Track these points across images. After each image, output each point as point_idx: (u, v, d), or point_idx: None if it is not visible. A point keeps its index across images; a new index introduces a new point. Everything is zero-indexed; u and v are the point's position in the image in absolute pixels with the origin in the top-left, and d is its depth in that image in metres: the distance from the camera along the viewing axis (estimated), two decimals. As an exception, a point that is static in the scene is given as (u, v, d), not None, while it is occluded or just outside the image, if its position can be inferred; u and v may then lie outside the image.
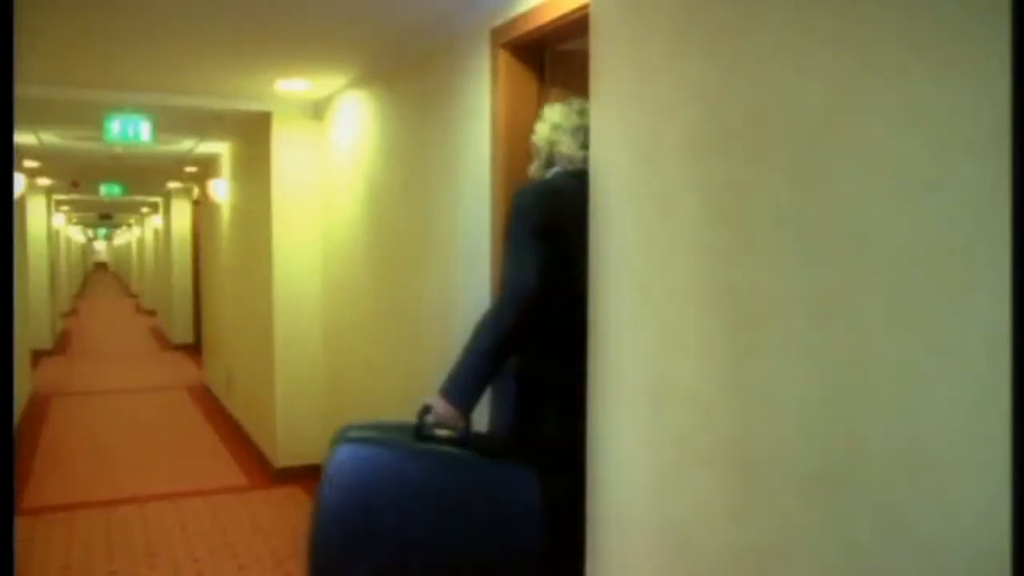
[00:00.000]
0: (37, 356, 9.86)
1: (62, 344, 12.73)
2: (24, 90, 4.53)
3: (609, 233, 2.02)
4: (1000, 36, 1.15)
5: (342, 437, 2.04)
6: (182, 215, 12.41)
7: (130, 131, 5.39)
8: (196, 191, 10.50)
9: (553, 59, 2.99)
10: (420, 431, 2.06)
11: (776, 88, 1.53)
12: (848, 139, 1.41)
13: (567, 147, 2.32)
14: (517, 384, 2.24)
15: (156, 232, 16.29)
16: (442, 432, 2.06)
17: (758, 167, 1.57)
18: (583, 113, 2.30)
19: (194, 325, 11.76)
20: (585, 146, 2.19)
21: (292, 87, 4.74)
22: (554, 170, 2.38)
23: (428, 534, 1.90)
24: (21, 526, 4.44)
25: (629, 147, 1.94)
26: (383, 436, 2.03)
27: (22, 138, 6.55)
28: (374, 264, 4.36)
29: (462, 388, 2.14)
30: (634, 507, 1.92)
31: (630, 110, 1.94)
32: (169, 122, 5.77)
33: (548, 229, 2.20)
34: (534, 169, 2.46)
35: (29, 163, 8.25)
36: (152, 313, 17.08)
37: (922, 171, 1.30)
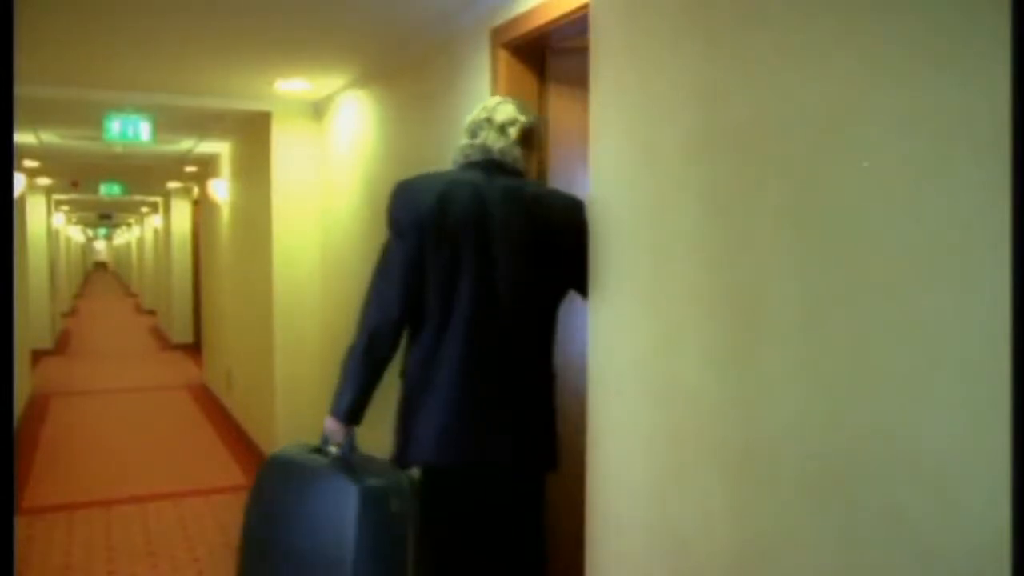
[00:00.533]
0: (37, 356, 9.86)
1: (62, 344, 12.73)
2: (24, 90, 4.53)
3: (609, 233, 2.02)
4: (1000, 36, 1.15)
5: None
6: (182, 215, 12.41)
7: (130, 131, 5.39)
8: (196, 191, 10.50)
9: (553, 59, 2.99)
10: (319, 448, 2.14)
11: (776, 87, 1.53)
12: (848, 139, 1.41)
13: (475, 150, 2.31)
14: (401, 384, 2.27)
15: (156, 232, 16.30)
16: (331, 448, 2.11)
17: (758, 167, 1.57)
18: (521, 111, 2.35)
19: (194, 325, 11.76)
20: (486, 149, 2.27)
21: (292, 87, 4.74)
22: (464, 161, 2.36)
23: (265, 536, 2.05)
24: (21, 526, 4.44)
25: (629, 147, 1.94)
26: (287, 453, 2.19)
27: (22, 138, 6.55)
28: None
29: (336, 400, 2.21)
30: (634, 507, 1.92)
31: (630, 110, 1.94)
32: (169, 122, 5.77)
33: (422, 227, 2.21)
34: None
35: (29, 163, 8.25)
36: (152, 313, 17.08)
37: (922, 171, 1.30)
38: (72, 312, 18.22)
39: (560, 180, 2.99)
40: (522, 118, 2.33)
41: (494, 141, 2.29)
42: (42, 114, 5.62)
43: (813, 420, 1.47)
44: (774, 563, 1.55)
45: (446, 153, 3.47)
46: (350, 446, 2.10)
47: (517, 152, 2.28)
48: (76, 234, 25.32)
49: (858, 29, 1.39)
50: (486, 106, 2.39)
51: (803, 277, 1.48)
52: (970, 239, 1.23)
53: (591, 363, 2.09)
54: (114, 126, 5.35)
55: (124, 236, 30.35)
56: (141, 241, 21.16)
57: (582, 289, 2.09)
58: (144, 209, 17.30)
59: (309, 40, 3.78)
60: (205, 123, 6.09)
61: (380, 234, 4.52)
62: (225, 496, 5.11)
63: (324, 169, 5.29)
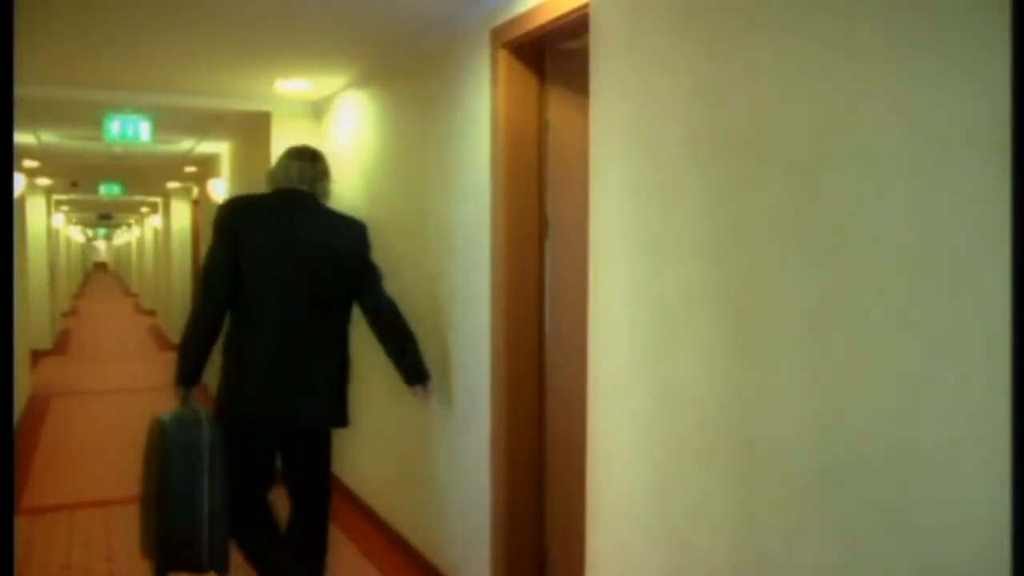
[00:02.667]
0: (37, 356, 9.86)
1: (62, 344, 12.72)
2: (24, 90, 4.53)
3: (609, 233, 2.02)
4: (1000, 36, 1.15)
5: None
6: (182, 215, 12.40)
7: (130, 131, 5.38)
8: (196, 191, 10.50)
9: (553, 59, 2.99)
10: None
11: (776, 88, 1.53)
12: (848, 139, 1.41)
13: (281, 179, 3.03)
14: (222, 351, 2.89)
15: (156, 232, 16.29)
16: (179, 412, 2.78)
17: (758, 167, 1.57)
18: (297, 156, 3.08)
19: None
20: (289, 179, 3.01)
21: (292, 87, 4.74)
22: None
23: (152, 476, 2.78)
24: (21, 526, 4.44)
25: (629, 147, 1.94)
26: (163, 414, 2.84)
27: (22, 138, 6.55)
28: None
29: (178, 370, 2.87)
30: (634, 507, 1.92)
31: (630, 110, 1.94)
32: (169, 122, 5.77)
33: (236, 234, 2.84)
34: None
35: (29, 163, 8.24)
36: (152, 313, 17.06)
37: (922, 171, 1.30)
38: (72, 312, 18.21)
39: (560, 180, 2.99)
40: (316, 151, 3.17)
41: (297, 171, 3.02)
42: (42, 114, 5.61)
43: (813, 420, 1.47)
44: (774, 562, 1.55)
45: (446, 153, 3.47)
46: (185, 400, 2.82)
47: (299, 173, 3.02)
48: (76, 234, 25.32)
49: (858, 30, 1.39)
50: (288, 150, 3.15)
51: (803, 277, 1.48)
52: (970, 239, 1.23)
53: (591, 363, 2.09)
54: (114, 126, 5.35)
55: (124, 236, 30.36)
56: (141, 241, 21.16)
57: (360, 290, 3.03)
58: (144, 209, 17.30)
59: (309, 40, 3.78)
60: (205, 123, 6.08)
61: (380, 234, 4.53)
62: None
63: (324, 169, 5.29)
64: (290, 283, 2.85)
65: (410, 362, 3.18)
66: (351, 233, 3.07)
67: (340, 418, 3.03)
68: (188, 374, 2.84)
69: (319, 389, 2.91)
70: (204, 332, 2.83)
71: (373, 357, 4.10)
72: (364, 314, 3.13)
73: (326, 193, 3.10)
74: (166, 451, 2.69)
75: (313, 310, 2.90)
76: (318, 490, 3.13)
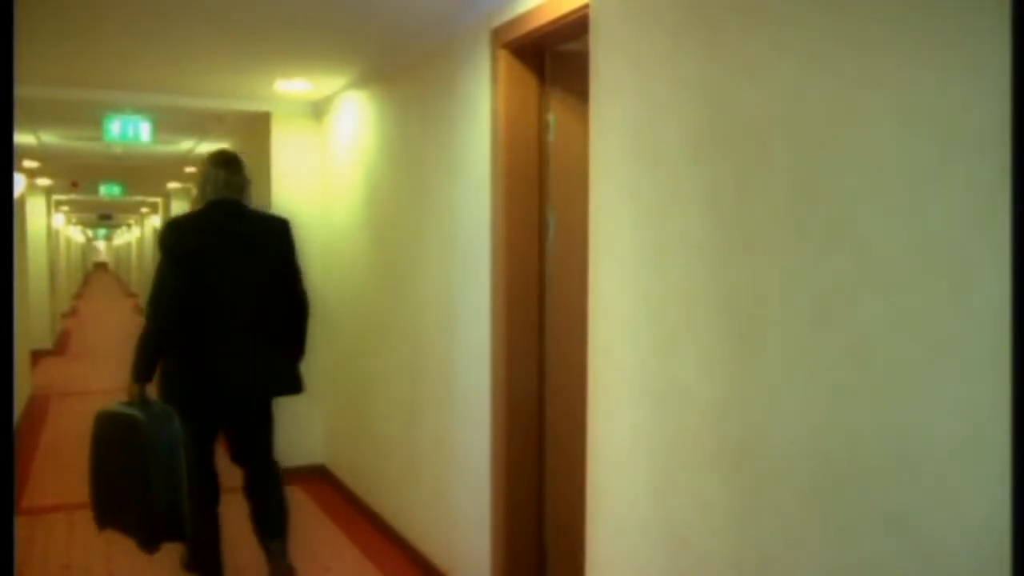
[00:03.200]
0: (37, 356, 9.85)
1: (62, 344, 12.71)
2: (24, 90, 4.53)
3: (609, 233, 2.02)
4: (1000, 36, 1.15)
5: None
6: (182, 215, 12.40)
7: (130, 131, 5.38)
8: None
9: (553, 59, 2.99)
10: (128, 401, 3.19)
11: (777, 88, 1.53)
12: (849, 138, 1.41)
13: (211, 191, 3.35)
14: (171, 355, 3.26)
15: (156, 232, 16.29)
16: (128, 401, 3.19)
17: (758, 167, 1.58)
18: (221, 165, 3.37)
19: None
20: (217, 190, 3.32)
21: (292, 87, 4.74)
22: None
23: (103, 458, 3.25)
24: (21, 526, 4.44)
25: (629, 147, 1.94)
26: (110, 407, 3.26)
27: (22, 138, 6.55)
28: (374, 264, 4.36)
29: (135, 372, 3.20)
30: (634, 507, 1.92)
31: (630, 110, 1.94)
32: (169, 122, 5.77)
33: (178, 252, 3.22)
34: (192, 203, 3.54)
35: (29, 163, 8.24)
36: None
37: (922, 171, 1.30)
38: (72, 312, 18.20)
39: (560, 180, 2.99)
40: (237, 158, 3.46)
41: (224, 181, 3.33)
42: (42, 114, 5.61)
43: (813, 420, 1.47)
44: (774, 562, 1.55)
45: (446, 153, 3.47)
46: (143, 396, 3.17)
47: (225, 182, 3.33)
48: (76, 234, 25.31)
49: (858, 29, 1.39)
50: (210, 157, 3.44)
51: (803, 277, 1.48)
52: (970, 239, 1.23)
53: (591, 363, 2.09)
54: (114, 126, 5.35)
55: (124, 236, 30.35)
56: (141, 241, 21.15)
57: (289, 282, 3.44)
58: (144, 209, 17.30)
59: (309, 40, 3.78)
60: (205, 123, 6.08)
61: (380, 234, 4.52)
62: (225, 496, 5.10)
63: (324, 170, 5.29)
64: (230, 284, 3.28)
65: (291, 359, 3.57)
66: (277, 230, 3.46)
67: (290, 388, 3.54)
68: (143, 374, 3.22)
69: (262, 371, 3.40)
70: (157, 340, 3.22)
71: (374, 358, 4.10)
72: (281, 305, 3.48)
73: (250, 196, 3.46)
74: (147, 443, 3.06)
75: (252, 304, 3.33)
76: (264, 454, 3.61)
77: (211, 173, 3.36)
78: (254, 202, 3.44)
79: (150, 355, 3.21)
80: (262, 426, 3.59)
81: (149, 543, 3.20)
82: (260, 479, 3.61)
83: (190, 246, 3.25)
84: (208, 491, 3.53)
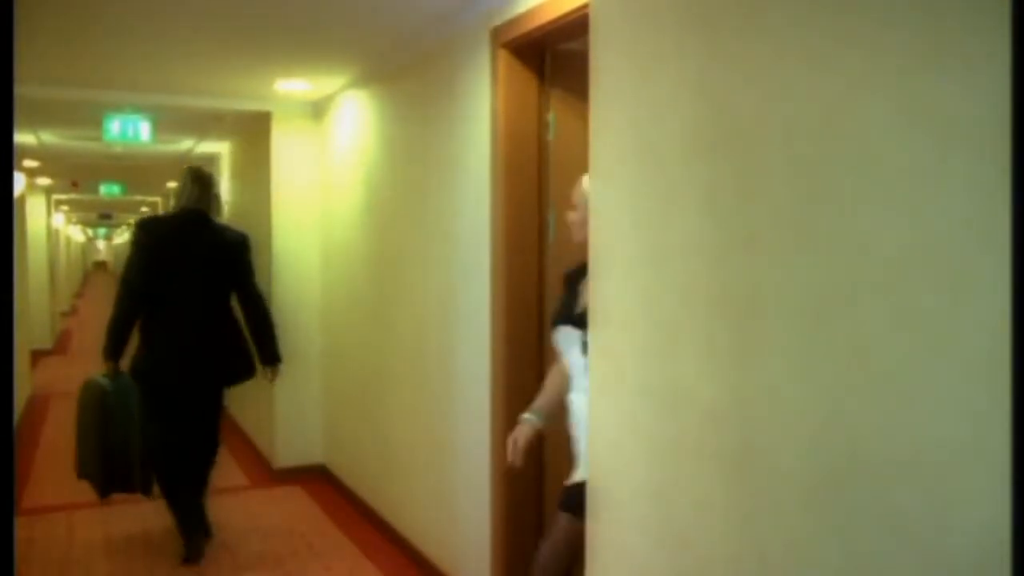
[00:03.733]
0: (37, 356, 9.85)
1: (62, 344, 12.71)
2: (24, 90, 4.53)
3: (609, 233, 2.02)
4: (1000, 36, 1.15)
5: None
6: (182, 215, 12.39)
7: (130, 131, 5.39)
8: (196, 191, 10.48)
9: (553, 59, 2.99)
10: (104, 374, 3.95)
11: (777, 87, 1.53)
12: (849, 138, 1.41)
13: (184, 200, 4.00)
14: (140, 331, 3.91)
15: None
16: (104, 374, 3.95)
17: (758, 167, 1.57)
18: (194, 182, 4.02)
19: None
20: (189, 200, 3.96)
21: (292, 87, 4.74)
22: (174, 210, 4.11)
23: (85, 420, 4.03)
24: (21, 526, 4.44)
25: (629, 146, 1.94)
26: (94, 378, 4.00)
27: (22, 138, 6.55)
28: (374, 264, 4.36)
29: (105, 350, 3.89)
30: (634, 507, 1.92)
31: (630, 109, 1.94)
32: (169, 122, 5.77)
33: (148, 247, 3.88)
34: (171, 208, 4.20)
35: (29, 163, 8.24)
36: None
37: (923, 170, 1.30)
38: (72, 312, 18.20)
39: (560, 179, 2.99)
40: (209, 176, 4.13)
41: (196, 195, 3.97)
42: (42, 114, 5.61)
43: (813, 420, 1.47)
44: (774, 562, 1.55)
45: (446, 153, 3.47)
46: (115, 370, 3.92)
47: (198, 197, 3.97)
48: (76, 234, 25.31)
49: (858, 29, 1.39)
50: (188, 172, 4.10)
51: (803, 277, 1.48)
52: (970, 239, 1.23)
53: (591, 362, 2.09)
54: (114, 126, 5.35)
55: (124, 236, 30.36)
56: (141, 241, 21.10)
57: (242, 283, 4.10)
58: (144, 209, 17.30)
59: (309, 40, 3.78)
60: (205, 123, 6.08)
61: (380, 234, 4.53)
62: (224, 496, 5.11)
63: (324, 169, 5.29)
64: (188, 281, 3.88)
65: (266, 347, 4.20)
66: (232, 242, 4.10)
67: (245, 373, 4.14)
68: (114, 352, 3.90)
69: (214, 358, 3.98)
70: (125, 323, 3.86)
71: (374, 358, 4.11)
72: (239, 304, 4.12)
73: (216, 210, 4.09)
74: (109, 409, 3.86)
75: (205, 301, 3.93)
76: (210, 433, 4.15)
77: (186, 186, 4.00)
78: (217, 214, 4.14)
79: (116, 336, 3.87)
80: (207, 408, 4.10)
81: (104, 491, 3.98)
82: (199, 449, 4.10)
83: (156, 244, 3.89)
84: (171, 463, 3.98)
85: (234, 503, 4.99)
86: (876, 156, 1.36)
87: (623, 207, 1.96)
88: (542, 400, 2.64)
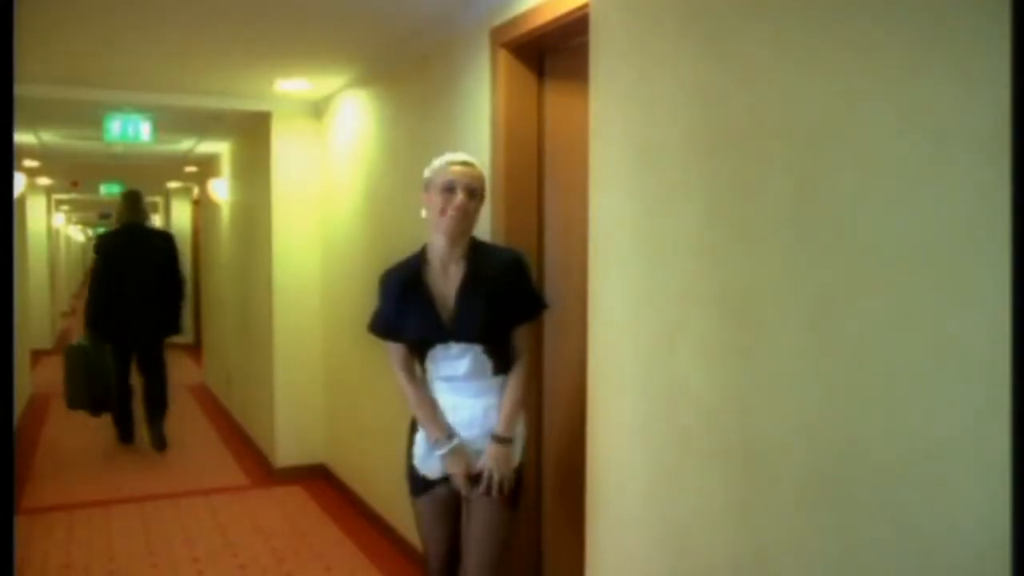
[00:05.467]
0: (37, 356, 9.86)
1: (62, 344, 12.71)
2: (24, 90, 4.53)
3: (609, 233, 2.02)
4: (1000, 36, 1.15)
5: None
6: (182, 215, 12.41)
7: (130, 131, 5.38)
8: (196, 191, 10.50)
9: (553, 59, 2.99)
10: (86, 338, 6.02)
11: (776, 88, 1.53)
12: (848, 139, 1.41)
13: (126, 217, 6.19)
14: (104, 308, 6.00)
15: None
16: (85, 338, 5.96)
17: (758, 167, 1.57)
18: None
19: (193, 324, 11.76)
20: (131, 216, 6.13)
21: (292, 87, 4.74)
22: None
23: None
24: (21, 526, 4.44)
25: (629, 146, 1.94)
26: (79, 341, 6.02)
27: (22, 138, 6.55)
28: (374, 264, 4.36)
29: (85, 323, 5.93)
30: (634, 507, 1.92)
31: (630, 110, 1.94)
32: (169, 122, 5.77)
33: (105, 253, 6.00)
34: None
35: (29, 163, 8.24)
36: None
37: (922, 171, 1.30)
38: (72, 312, 18.20)
39: (559, 179, 2.99)
40: (140, 195, 6.34)
41: (135, 212, 6.16)
42: (42, 114, 5.61)
43: (813, 420, 1.47)
44: (773, 562, 1.55)
45: (445, 153, 3.47)
46: (92, 335, 5.89)
47: (130, 213, 6.12)
48: (76, 234, 25.31)
49: (858, 29, 1.39)
50: (123, 195, 6.35)
51: (803, 277, 1.48)
52: (970, 239, 1.23)
53: (590, 363, 2.09)
54: (114, 126, 5.35)
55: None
56: (141, 241, 21.10)
57: (170, 269, 6.14)
58: (144, 209, 17.30)
59: (309, 40, 3.78)
60: (205, 123, 6.09)
61: (380, 234, 4.53)
62: (225, 496, 5.11)
63: (324, 169, 5.29)
64: (132, 272, 5.96)
65: (172, 315, 6.21)
66: (163, 242, 6.29)
67: (170, 331, 6.27)
68: (91, 323, 5.96)
69: (151, 330, 6.11)
70: (97, 302, 5.97)
71: (374, 358, 4.11)
72: (165, 283, 6.11)
73: (144, 216, 6.25)
74: (92, 363, 5.86)
75: (144, 285, 5.98)
76: (157, 369, 6.24)
77: (122, 206, 6.23)
78: (147, 220, 6.33)
79: (91, 313, 5.98)
80: (153, 352, 6.24)
81: (94, 411, 5.98)
82: (152, 382, 6.22)
83: (109, 249, 6.07)
84: (125, 389, 6.20)
85: (234, 503, 4.99)
86: (876, 156, 1.36)
87: (623, 206, 1.96)
88: (441, 421, 2.44)
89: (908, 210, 1.31)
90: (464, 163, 2.42)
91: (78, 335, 6.02)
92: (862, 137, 1.38)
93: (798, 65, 1.49)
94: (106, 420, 6.30)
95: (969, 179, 1.22)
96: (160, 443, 6.15)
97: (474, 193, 2.39)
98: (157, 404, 6.20)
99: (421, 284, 2.44)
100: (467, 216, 2.39)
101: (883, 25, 1.35)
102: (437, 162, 2.45)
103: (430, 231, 2.47)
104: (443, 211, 2.37)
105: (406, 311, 2.45)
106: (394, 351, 2.52)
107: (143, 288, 5.93)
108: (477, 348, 2.39)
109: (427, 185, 2.45)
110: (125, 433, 6.27)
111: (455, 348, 2.39)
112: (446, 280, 2.44)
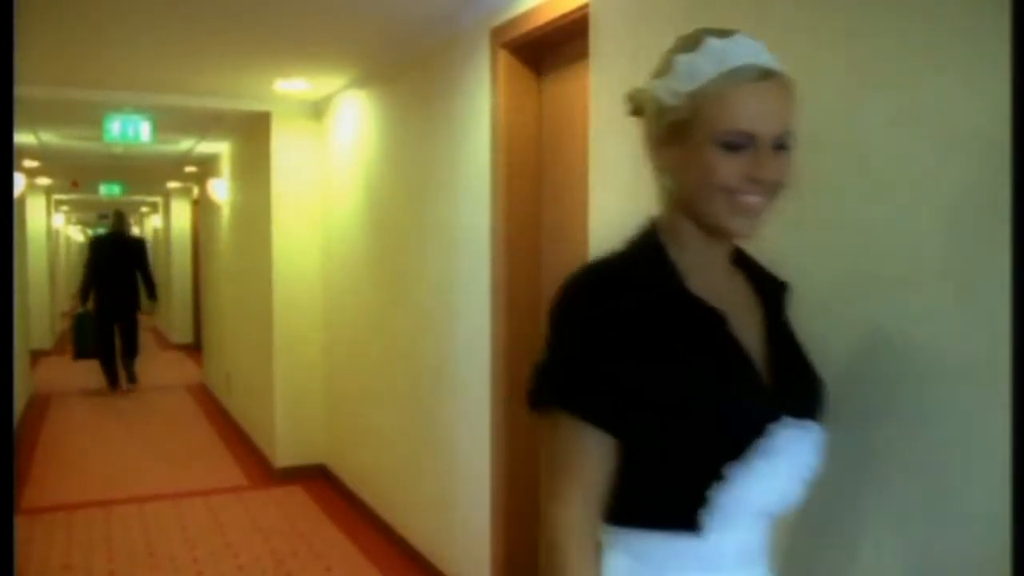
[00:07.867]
0: (37, 356, 9.86)
1: (62, 344, 12.72)
2: (24, 90, 4.53)
3: (609, 233, 2.02)
4: (1000, 36, 1.15)
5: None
6: (182, 215, 12.41)
7: (130, 131, 5.38)
8: (196, 191, 10.50)
9: (553, 59, 2.99)
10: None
11: (776, 88, 1.53)
12: (848, 138, 1.41)
13: (113, 227, 9.18)
14: (92, 291, 8.89)
15: (156, 232, 16.30)
16: (84, 309, 9.01)
17: (758, 167, 1.57)
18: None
19: (193, 325, 11.76)
20: (116, 226, 9.09)
21: (292, 87, 4.74)
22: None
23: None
24: (21, 526, 4.44)
25: (628, 147, 1.94)
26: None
27: (22, 138, 6.55)
28: (374, 264, 4.36)
29: (80, 300, 9.02)
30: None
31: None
32: (169, 122, 5.77)
33: (95, 250, 8.96)
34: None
35: (29, 163, 8.24)
36: (151, 312, 17.06)
37: (922, 171, 1.30)
38: (72, 312, 18.22)
39: (559, 179, 2.99)
40: (123, 213, 9.39)
41: (120, 224, 9.08)
42: (42, 114, 5.61)
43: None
44: (773, 562, 1.55)
45: (446, 153, 3.48)
46: (86, 307, 8.90)
47: (119, 225, 9.05)
48: (76, 234, 25.31)
49: (858, 29, 1.39)
50: (113, 214, 9.47)
51: (802, 277, 1.48)
52: (970, 239, 1.23)
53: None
54: (114, 126, 5.35)
55: (124, 236, 30.37)
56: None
57: (142, 267, 9.07)
58: (144, 209, 17.30)
59: (309, 40, 3.78)
60: (205, 123, 6.08)
61: (380, 234, 4.53)
62: (225, 496, 5.11)
63: (324, 169, 5.29)
64: (112, 268, 8.56)
65: (149, 295, 9.06)
66: (137, 246, 9.09)
67: (137, 307, 8.86)
68: (83, 300, 8.73)
69: (127, 305, 8.68)
70: (88, 287, 8.67)
71: (374, 358, 4.12)
72: (140, 277, 8.85)
73: (127, 228, 9.14)
74: (91, 327, 8.71)
75: (122, 279, 8.61)
76: (131, 330, 8.71)
77: (113, 220, 8.93)
78: (128, 229, 8.66)
79: (83, 293, 8.70)
80: (129, 323, 8.69)
81: (94, 356, 8.65)
82: (127, 339, 8.71)
83: (99, 247, 8.75)
84: (110, 346, 8.60)
85: (234, 503, 4.99)
86: (876, 156, 1.36)
87: (623, 206, 1.96)
88: None
89: (908, 210, 1.31)
90: (771, 73, 1.17)
91: (95, 368, 8.81)
92: (862, 137, 1.38)
93: (797, 64, 1.49)
94: (97, 370, 8.74)
95: (969, 179, 1.22)
96: (132, 378, 8.81)
97: (791, 139, 1.17)
98: (129, 352, 8.80)
99: (712, 317, 1.15)
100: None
101: (883, 25, 1.35)
102: (704, 51, 1.22)
103: (671, 209, 1.28)
104: (737, 180, 1.13)
105: (695, 370, 1.12)
106: (592, 464, 1.12)
107: (120, 275, 8.59)
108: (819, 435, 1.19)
109: (672, 113, 1.25)
110: (112, 379, 8.63)
111: (802, 437, 1.15)
112: (736, 311, 1.18)
